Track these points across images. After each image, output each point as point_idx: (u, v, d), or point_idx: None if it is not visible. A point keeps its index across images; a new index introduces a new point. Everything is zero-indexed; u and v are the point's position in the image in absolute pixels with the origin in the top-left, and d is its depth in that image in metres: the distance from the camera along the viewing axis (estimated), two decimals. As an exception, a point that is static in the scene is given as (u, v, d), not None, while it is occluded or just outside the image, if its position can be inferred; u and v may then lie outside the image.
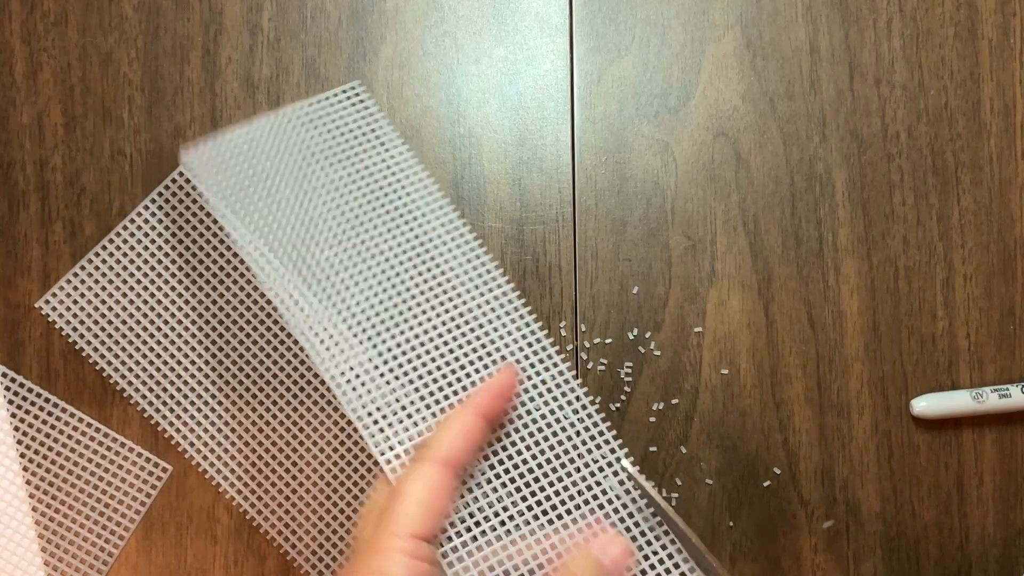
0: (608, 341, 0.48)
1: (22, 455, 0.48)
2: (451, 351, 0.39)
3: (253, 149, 0.38)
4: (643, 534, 0.38)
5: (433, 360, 0.38)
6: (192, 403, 0.48)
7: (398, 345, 0.38)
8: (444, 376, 0.39)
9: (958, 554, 0.48)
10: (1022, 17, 0.49)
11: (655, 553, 0.38)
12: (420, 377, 0.38)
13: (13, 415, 0.48)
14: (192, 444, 0.48)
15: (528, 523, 0.37)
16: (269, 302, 0.48)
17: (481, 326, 0.39)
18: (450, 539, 0.36)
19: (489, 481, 0.38)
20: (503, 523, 0.37)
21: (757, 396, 0.48)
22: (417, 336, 0.38)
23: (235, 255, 0.48)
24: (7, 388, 0.48)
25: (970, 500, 0.48)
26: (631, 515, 0.38)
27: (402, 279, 0.38)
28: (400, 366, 0.38)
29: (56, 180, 0.49)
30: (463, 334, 0.39)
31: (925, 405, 0.47)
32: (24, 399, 0.48)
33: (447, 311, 0.39)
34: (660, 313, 0.48)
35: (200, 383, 0.48)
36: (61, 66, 0.49)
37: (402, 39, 0.49)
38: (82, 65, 0.49)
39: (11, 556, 0.47)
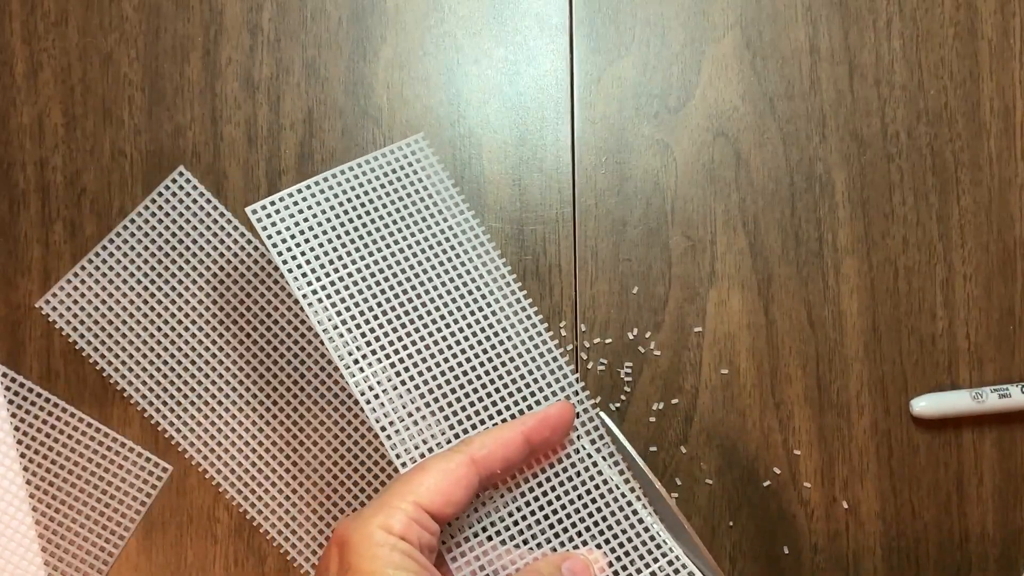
0: (608, 341, 0.48)
1: (22, 455, 0.48)
2: (484, 386, 0.40)
3: (320, 204, 0.41)
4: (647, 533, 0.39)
5: (466, 394, 0.40)
6: (192, 403, 0.48)
7: (439, 387, 0.40)
8: (477, 410, 0.40)
9: (958, 554, 0.48)
10: (1022, 17, 0.49)
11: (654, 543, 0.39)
12: (455, 414, 0.40)
13: (13, 415, 0.48)
14: (192, 444, 0.48)
15: (538, 539, 0.39)
16: (269, 302, 0.48)
17: (523, 376, 0.41)
18: (459, 544, 0.37)
19: (509, 493, 0.39)
20: (514, 536, 0.38)
21: (757, 396, 0.48)
22: (458, 378, 0.40)
23: (235, 255, 0.49)
24: (7, 388, 0.48)
25: (970, 500, 0.48)
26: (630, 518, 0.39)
27: (447, 322, 0.40)
28: (440, 406, 0.40)
29: (56, 180, 0.49)
30: (502, 375, 0.40)
31: (925, 405, 0.47)
32: (24, 399, 0.48)
33: (491, 360, 0.41)
34: (660, 313, 0.48)
35: (200, 383, 0.48)
36: (61, 66, 0.49)
37: (402, 39, 0.49)
38: (82, 65, 0.49)
39: (11, 556, 0.47)
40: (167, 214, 0.49)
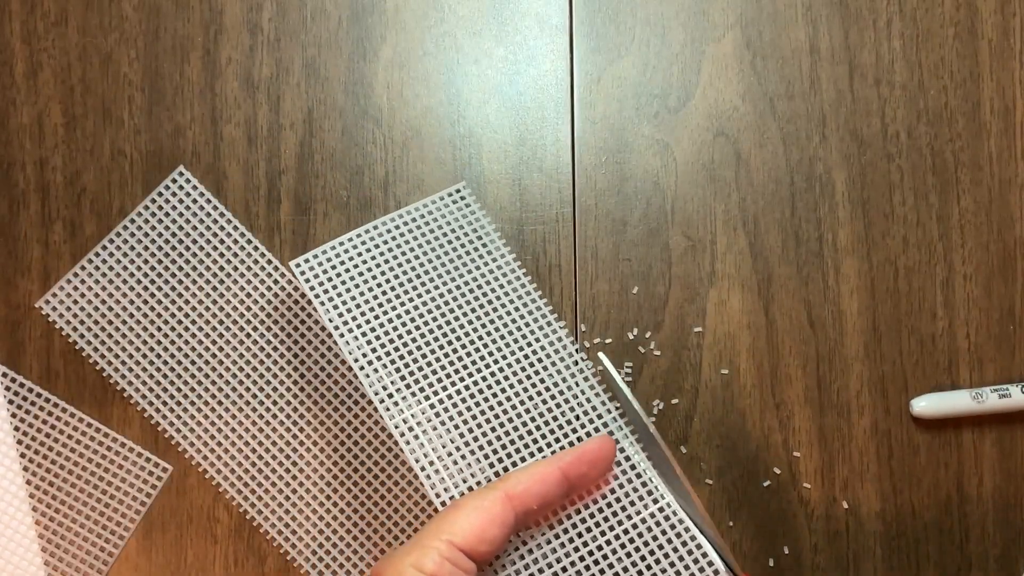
0: (608, 341, 0.48)
1: (22, 455, 0.48)
2: (524, 424, 0.40)
3: (364, 256, 0.41)
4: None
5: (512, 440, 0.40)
6: (192, 403, 0.48)
7: (479, 426, 0.40)
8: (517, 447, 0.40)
9: (958, 554, 0.48)
10: (1022, 17, 0.49)
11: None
12: (495, 452, 0.40)
13: (13, 415, 0.48)
14: (192, 444, 0.48)
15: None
16: (269, 303, 0.48)
17: (564, 413, 0.41)
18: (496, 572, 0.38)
19: (556, 537, 0.39)
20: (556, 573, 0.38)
21: (757, 396, 0.48)
22: (498, 417, 0.40)
23: (235, 255, 0.49)
24: (7, 388, 0.48)
25: (970, 500, 0.48)
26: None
27: (487, 362, 0.41)
28: (480, 444, 0.40)
29: (56, 180, 0.49)
30: (543, 413, 0.40)
31: (925, 405, 0.47)
32: (24, 399, 0.48)
33: (531, 399, 0.41)
34: (660, 313, 0.48)
35: (200, 383, 0.48)
36: (61, 66, 0.49)
37: (402, 39, 0.49)
38: (82, 65, 0.49)
39: (11, 556, 0.47)
40: (167, 214, 0.49)
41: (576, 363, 0.41)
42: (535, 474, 0.37)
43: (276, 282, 0.49)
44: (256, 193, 0.49)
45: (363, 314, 0.40)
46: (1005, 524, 0.48)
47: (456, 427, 0.39)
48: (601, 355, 0.42)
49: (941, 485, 0.48)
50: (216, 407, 0.48)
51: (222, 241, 0.49)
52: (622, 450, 0.40)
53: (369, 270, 0.41)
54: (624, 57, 0.49)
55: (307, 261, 0.40)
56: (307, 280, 0.40)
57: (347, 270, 0.41)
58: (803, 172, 0.49)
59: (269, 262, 0.49)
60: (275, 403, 0.48)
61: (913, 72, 0.49)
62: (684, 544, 0.39)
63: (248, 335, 0.48)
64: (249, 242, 0.49)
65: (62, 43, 0.49)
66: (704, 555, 0.38)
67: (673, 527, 0.39)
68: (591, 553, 0.38)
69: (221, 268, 0.48)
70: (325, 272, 0.40)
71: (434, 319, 0.40)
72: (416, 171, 0.49)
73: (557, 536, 0.38)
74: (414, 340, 0.40)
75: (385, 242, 0.41)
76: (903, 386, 0.48)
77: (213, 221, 0.49)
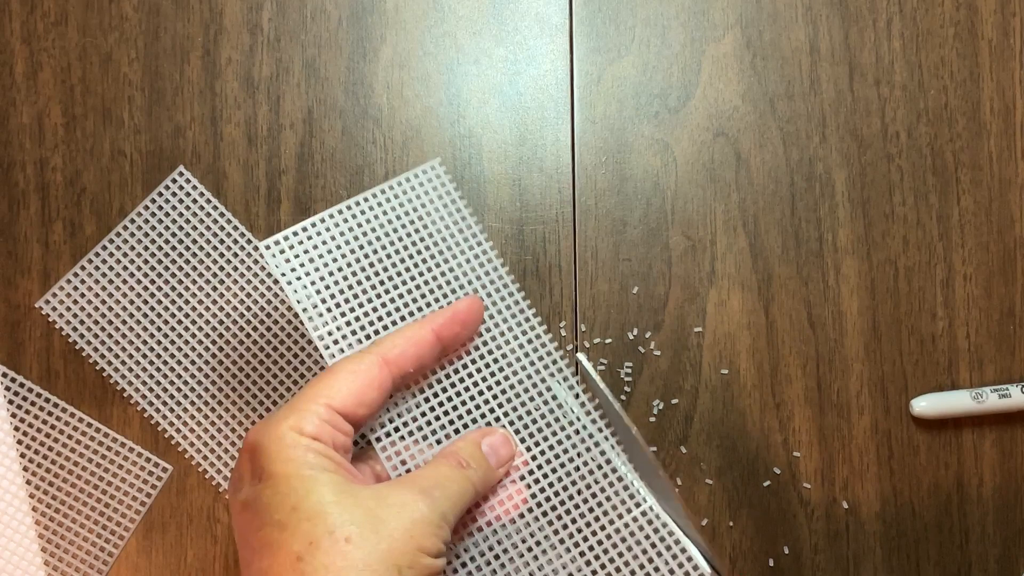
0: (608, 341, 0.48)
1: (22, 455, 0.48)
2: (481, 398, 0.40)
3: (335, 237, 0.40)
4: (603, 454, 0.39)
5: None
6: (192, 403, 0.48)
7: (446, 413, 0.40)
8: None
9: (958, 554, 0.48)
10: (1022, 17, 0.49)
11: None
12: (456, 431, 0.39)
13: (13, 415, 0.48)
14: (192, 444, 0.48)
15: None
16: (269, 302, 0.48)
17: (546, 419, 0.40)
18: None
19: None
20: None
21: (757, 396, 0.48)
22: (471, 413, 0.40)
23: (235, 255, 0.49)
24: (7, 388, 0.48)
25: (970, 500, 0.48)
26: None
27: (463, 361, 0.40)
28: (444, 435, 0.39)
29: (56, 180, 0.49)
30: (511, 400, 0.40)
31: (925, 405, 0.47)
32: (24, 399, 0.48)
33: (499, 383, 0.40)
34: (660, 313, 0.48)
35: (200, 383, 0.48)
36: (61, 66, 0.49)
37: (402, 39, 0.49)
38: (82, 65, 0.49)
39: (11, 556, 0.47)
40: (167, 214, 0.49)
41: (555, 362, 0.40)
42: (410, 337, 0.37)
43: (276, 282, 0.48)
44: (256, 193, 0.49)
45: (332, 296, 0.39)
46: (1005, 524, 0.48)
47: (429, 423, 0.39)
48: (580, 356, 0.42)
49: (941, 485, 0.48)
50: (216, 407, 0.48)
51: (222, 241, 0.49)
52: (603, 453, 0.40)
53: (340, 250, 0.40)
54: (624, 57, 0.49)
55: (277, 243, 0.39)
56: (276, 264, 0.39)
57: (318, 252, 0.39)
58: (803, 172, 0.49)
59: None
60: (275, 403, 0.48)
61: (913, 72, 0.49)
62: (668, 548, 0.38)
63: (248, 335, 0.48)
64: (249, 242, 0.49)
65: (62, 43, 0.49)
66: (689, 559, 0.38)
67: (656, 531, 0.39)
68: (574, 560, 0.38)
69: (221, 268, 0.48)
70: (296, 255, 0.39)
71: (405, 303, 0.39)
72: (416, 171, 0.49)
73: (539, 543, 0.38)
74: (383, 323, 0.39)
75: (359, 224, 0.40)
76: (903, 386, 0.48)
77: (213, 221, 0.49)
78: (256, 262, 0.49)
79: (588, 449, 0.39)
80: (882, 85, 0.49)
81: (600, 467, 0.39)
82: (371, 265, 0.40)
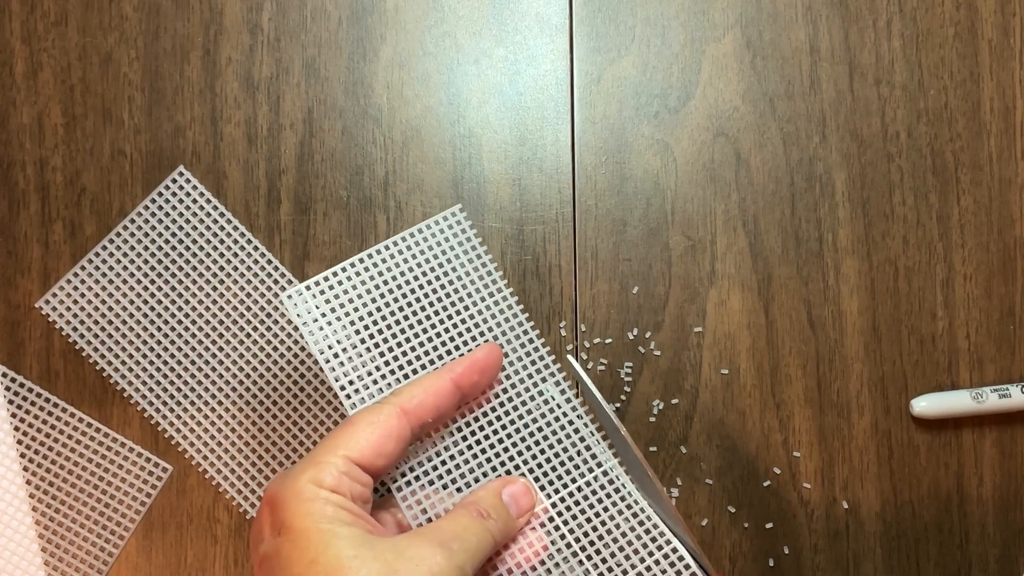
0: (608, 341, 0.48)
1: (22, 455, 0.48)
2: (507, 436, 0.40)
3: (356, 287, 0.40)
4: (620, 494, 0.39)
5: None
6: (192, 403, 0.48)
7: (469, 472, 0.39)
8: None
9: (958, 554, 0.48)
10: (1022, 17, 0.49)
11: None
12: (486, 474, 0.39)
13: (13, 415, 0.48)
14: (192, 444, 0.48)
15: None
16: (269, 302, 0.48)
17: (565, 468, 0.40)
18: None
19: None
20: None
21: (757, 396, 0.48)
22: (485, 453, 0.39)
23: (235, 255, 0.49)
24: (7, 388, 0.48)
25: (970, 500, 0.48)
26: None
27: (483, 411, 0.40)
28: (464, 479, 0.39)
29: (56, 180, 0.49)
30: (531, 447, 0.40)
31: (925, 405, 0.47)
32: (24, 399, 0.48)
33: (518, 431, 0.40)
34: (660, 313, 0.48)
35: (200, 383, 0.48)
36: (61, 66, 0.49)
37: (402, 39, 0.49)
38: (82, 65, 0.49)
39: (11, 556, 0.47)
40: (167, 214, 0.49)
41: (575, 408, 0.40)
42: (429, 387, 0.37)
43: (276, 282, 0.49)
44: (256, 193, 0.49)
45: (354, 345, 0.39)
46: (1005, 524, 0.48)
47: (449, 472, 0.38)
48: (569, 358, 0.42)
49: (941, 485, 0.48)
50: (216, 407, 0.48)
51: (222, 241, 0.49)
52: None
53: (361, 299, 0.40)
54: (624, 57, 0.49)
55: (300, 293, 0.39)
56: (298, 313, 0.39)
57: (339, 300, 0.40)
58: (803, 172, 0.49)
59: (269, 262, 0.49)
60: (275, 403, 0.48)
61: (913, 72, 0.49)
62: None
63: (248, 335, 0.48)
64: (249, 242, 0.49)
65: (62, 43, 0.49)
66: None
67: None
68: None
69: (221, 268, 0.48)
70: (318, 304, 0.39)
71: (425, 351, 0.39)
72: (416, 171, 0.49)
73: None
74: (403, 371, 0.39)
75: (380, 272, 0.40)
76: (903, 386, 0.48)
77: (213, 221, 0.49)
78: (256, 262, 0.49)
79: (610, 495, 0.39)
80: (882, 85, 0.49)
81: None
82: (392, 313, 0.40)
